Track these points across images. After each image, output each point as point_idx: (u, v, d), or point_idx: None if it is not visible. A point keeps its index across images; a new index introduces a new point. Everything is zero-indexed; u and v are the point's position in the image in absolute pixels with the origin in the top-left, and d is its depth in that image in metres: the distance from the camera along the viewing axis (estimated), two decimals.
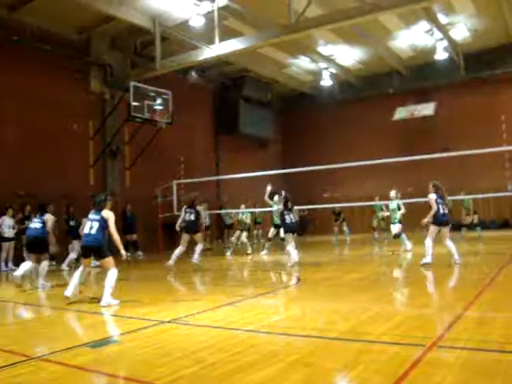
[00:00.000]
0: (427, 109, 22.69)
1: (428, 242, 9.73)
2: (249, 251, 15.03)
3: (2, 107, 14.74)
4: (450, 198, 16.13)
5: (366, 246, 17.09)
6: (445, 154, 15.43)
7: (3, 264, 13.29)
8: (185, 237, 11.67)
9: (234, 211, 16.04)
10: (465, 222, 17.55)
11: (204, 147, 22.63)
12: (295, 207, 12.50)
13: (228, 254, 15.36)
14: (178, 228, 12.11)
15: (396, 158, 15.32)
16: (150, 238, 17.47)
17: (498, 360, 3.74)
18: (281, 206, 11.50)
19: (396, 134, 23.77)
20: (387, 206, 14.91)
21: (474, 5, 16.88)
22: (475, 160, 18.42)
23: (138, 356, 4.27)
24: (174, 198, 16.54)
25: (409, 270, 10.28)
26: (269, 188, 12.96)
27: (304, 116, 26.78)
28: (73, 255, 12.97)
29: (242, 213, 15.80)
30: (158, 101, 17.06)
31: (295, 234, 11.49)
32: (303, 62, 22.24)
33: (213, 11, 14.58)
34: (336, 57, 21.75)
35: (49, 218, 9.42)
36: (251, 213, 17.10)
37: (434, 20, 17.62)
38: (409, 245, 13.25)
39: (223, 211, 19.65)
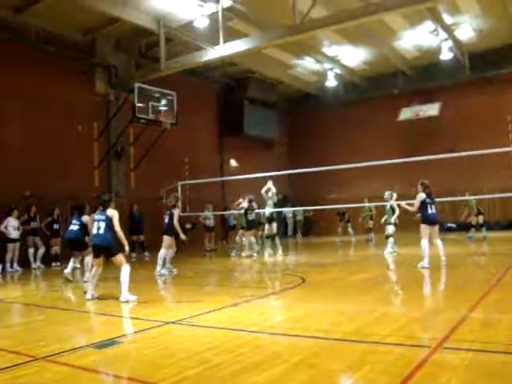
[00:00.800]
0: (432, 109, 22.62)
1: (424, 242, 9.79)
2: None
3: (8, 108, 14.80)
4: (455, 198, 16.21)
5: (371, 246, 17.03)
6: (450, 155, 15.39)
7: (8, 265, 13.34)
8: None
9: (260, 211, 15.90)
10: (472, 222, 17.45)
11: (209, 148, 22.64)
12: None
13: (233, 254, 15.39)
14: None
15: (401, 159, 15.29)
16: (155, 238, 17.44)
17: (503, 361, 3.72)
18: (245, 204, 12.15)
19: (401, 134, 23.71)
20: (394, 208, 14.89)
21: (479, 5, 16.82)
22: (481, 160, 18.33)
23: (142, 357, 4.27)
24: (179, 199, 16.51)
25: (414, 271, 10.23)
26: (269, 184, 13.23)
27: (309, 117, 26.76)
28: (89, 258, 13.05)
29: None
30: (163, 102, 17.08)
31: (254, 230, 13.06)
32: (308, 63, 22.22)
33: (217, 12, 14.59)
34: (341, 57, 21.72)
35: (87, 219, 9.97)
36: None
37: (438, 20, 17.56)
38: (390, 249, 13.22)
39: (226, 212, 19.63)
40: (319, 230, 25.15)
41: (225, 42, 14.79)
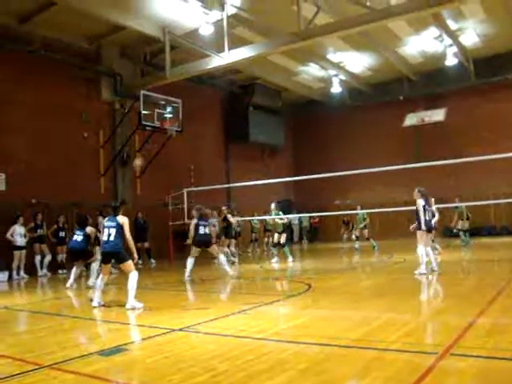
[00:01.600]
0: (438, 115, 22.57)
1: (421, 250, 9.86)
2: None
3: (13, 116, 14.89)
4: (461, 204, 16.14)
5: (376, 253, 16.97)
6: (456, 161, 15.33)
7: (15, 272, 13.38)
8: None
9: (285, 216, 15.91)
10: (463, 227, 17.21)
11: (214, 155, 22.68)
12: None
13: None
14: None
15: (406, 165, 15.23)
16: (160, 245, 17.51)
17: (511, 368, 3.69)
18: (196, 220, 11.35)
19: (406, 140, 23.67)
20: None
21: (483, 10, 16.83)
22: (487, 166, 18.26)
23: (148, 364, 4.27)
24: (185, 205, 16.58)
25: (420, 277, 10.19)
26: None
27: (314, 123, 26.78)
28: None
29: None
30: (168, 109, 17.14)
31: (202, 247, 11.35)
32: (313, 69, 22.27)
33: (222, 20, 14.64)
34: (346, 64, 21.77)
35: (91, 230, 10.35)
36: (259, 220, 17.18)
37: (443, 26, 17.58)
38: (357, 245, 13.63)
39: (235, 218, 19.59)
40: (324, 236, 25.10)
41: (230, 49, 14.84)
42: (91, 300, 7.71)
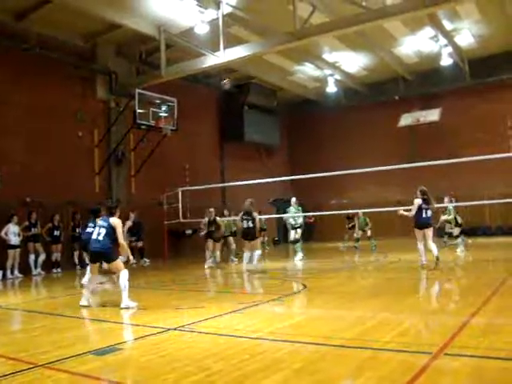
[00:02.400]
0: (433, 115, 22.61)
1: (419, 245, 10.64)
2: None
3: (8, 114, 14.79)
4: (455, 204, 16.14)
5: (374, 253, 17.00)
6: (450, 161, 15.35)
7: (9, 271, 13.32)
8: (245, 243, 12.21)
9: (300, 214, 15.89)
10: (447, 228, 16.94)
11: (209, 154, 22.64)
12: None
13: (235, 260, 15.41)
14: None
15: (401, 165, 15.26)
16: (155, 244, 17.46)
17: (505, 368, 3.71)
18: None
19: (401, 140, 23.72)
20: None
21: (478, 11, 16.87)
22: (482, 166, 18.31)
23: (143, 363, 4.26)
24: (180, 205, 16.56)
25: (416, 277, 10.22)
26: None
27: (310, 122, 26.80)
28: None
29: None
30: (163, 108, 17.11)
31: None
32: (308, 69, 22.27)
33: (217, 19, 14.63)
34: (341, 63, 21.77)
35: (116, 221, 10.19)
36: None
37: (438, 26, 17.61)
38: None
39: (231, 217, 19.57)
40: (320, 235, 25.11)
41: (225, 48, 14.84)
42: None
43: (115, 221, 7.45)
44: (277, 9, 14.87)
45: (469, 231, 17.65)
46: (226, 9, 14.66)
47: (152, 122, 16.67)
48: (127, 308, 7.02)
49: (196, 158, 21.31)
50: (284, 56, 19.93)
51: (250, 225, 11.93)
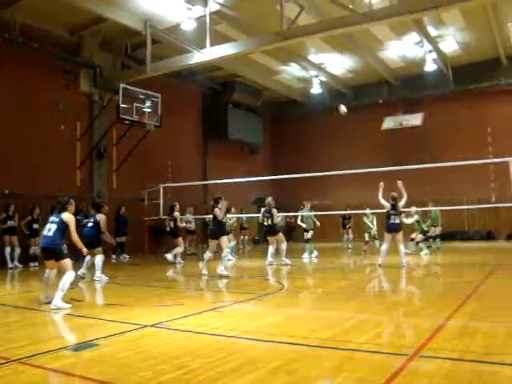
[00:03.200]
0: (415, 119, 22.83)
1: (383, 246, 11.75)
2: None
3: None
4: (435, 208, 16.28)
5: (355, 254, 17.10)
6: (430, 165, 15.57)
7: None
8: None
9: (294, 214, 15.95)
10: (430, 232, 16.81)
11: (192, 151, 22.58)
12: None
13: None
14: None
15: (383, 168, 15.40)
16: (135, 240, 17.36)
17: (479, 370, 3.75)
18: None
19: (384, 143, 23.91)
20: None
21: (463, 18, 17.07)
22: (461, 171, 18.55)
23: (118, 360, 4.22)
24: (161, 201, 16.48)
25: (395, 279, 10.31)
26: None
27: (294, 123, 26.86)
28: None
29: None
30: (147, 103, 17.03)
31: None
32: (294, 69, 22.32)
33: (205, 16, 14.59)
34: (326, 65, 21.85)
35: (102, 217, 10.61)
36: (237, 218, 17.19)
37: (424, 32, 17.79)
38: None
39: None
40: (302, 236, 25.13)
41: (211, 45, 14.80)
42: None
43: (68, 216, 7.22)
44: (264, 8, 14.89)
45: (447, 235, 17.83)
46: (213, 6, 14.61)
47: (136, 117, 16.58)
48: (58, 309, 6.72)
49: (179, 155, 21.23)
50: (270, 55, 19.94)
51: (270, 222, 12.97)
